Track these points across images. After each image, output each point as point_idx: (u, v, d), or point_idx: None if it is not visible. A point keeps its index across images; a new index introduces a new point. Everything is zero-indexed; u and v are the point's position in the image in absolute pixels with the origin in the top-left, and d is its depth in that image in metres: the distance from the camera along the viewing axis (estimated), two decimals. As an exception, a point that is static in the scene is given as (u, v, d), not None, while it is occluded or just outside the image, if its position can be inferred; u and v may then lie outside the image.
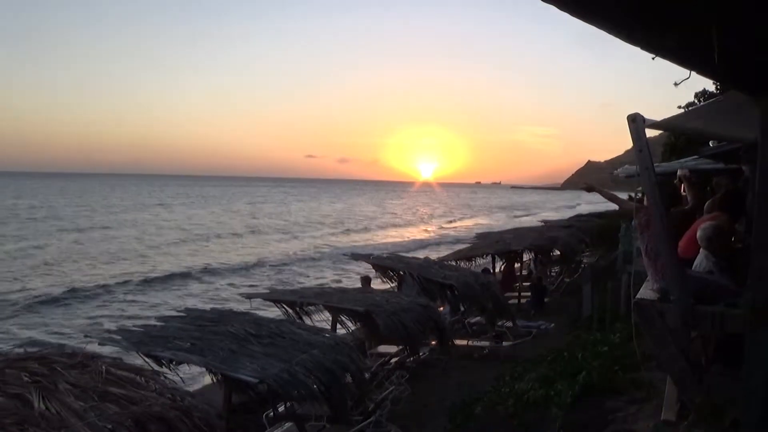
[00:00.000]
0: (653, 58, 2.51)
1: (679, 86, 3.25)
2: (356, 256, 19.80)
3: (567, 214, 58.01)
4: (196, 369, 7.97)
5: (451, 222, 79.93)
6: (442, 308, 15.21)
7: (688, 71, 2.78)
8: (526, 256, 24.20)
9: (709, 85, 25.75)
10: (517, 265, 22.91)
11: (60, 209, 78.48)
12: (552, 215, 63.76)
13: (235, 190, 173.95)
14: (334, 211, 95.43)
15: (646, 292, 5.16)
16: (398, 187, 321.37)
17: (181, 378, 7.67)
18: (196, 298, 26.09)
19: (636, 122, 4.49)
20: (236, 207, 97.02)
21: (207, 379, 8.96)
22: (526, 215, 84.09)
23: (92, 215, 71.21)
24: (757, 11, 2.13)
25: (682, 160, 15.05)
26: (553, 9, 1.92)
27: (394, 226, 72.39)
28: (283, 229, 62.40)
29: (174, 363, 7.58)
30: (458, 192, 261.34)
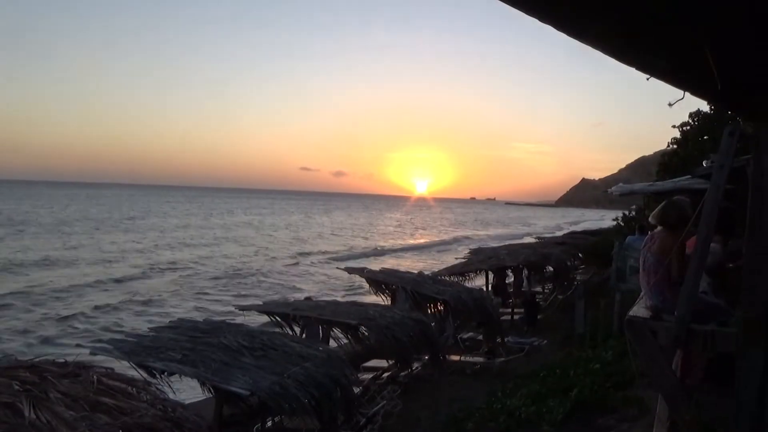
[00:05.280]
0: (648, 79, 2.55)
1: (675, 106, 3.30)
2: (351, 270, 19.75)
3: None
4: (188, 380, 7.95)
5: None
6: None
7: (682, 92, 2.83)
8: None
9: (703, 105, 25.89)
10: (509, 280, 23.05)
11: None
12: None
13: (236, 203, 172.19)
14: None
15: (639, 309, 5.17)
16: (403, 202, 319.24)
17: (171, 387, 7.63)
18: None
19: (731, 137, 4.31)
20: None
21: (199, 391, 8.92)
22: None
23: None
24: (748, 34, 2.17)
25: (676, 180, 15.14)
26: (549, 28, 1.96)
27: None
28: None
29: (166, 374, 7.56)
30: (470, 207, 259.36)
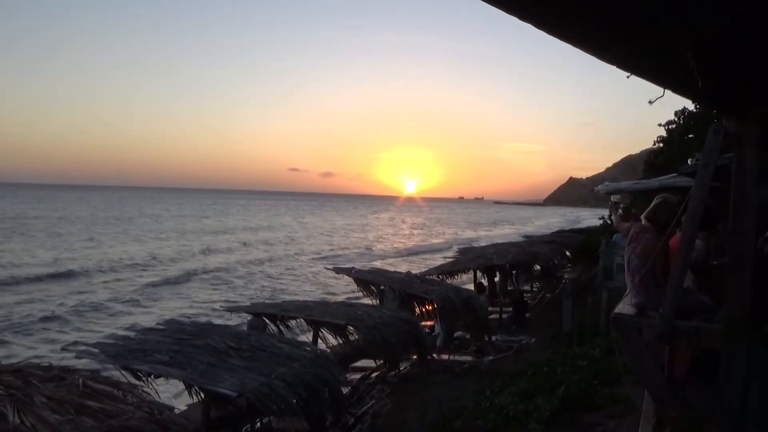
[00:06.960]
0: (628, 77, 2.56)
1: (661, 105, 3.32)
2: (339, 270, 19.70)
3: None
4: (176, 382, 7.90)
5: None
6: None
7: (663, 90, 2.84)
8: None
9: (689, 103, 26.04)
10: (496, 279, 23.11)
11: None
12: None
13: (236, 204, 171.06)
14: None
15: (624, 306, 5.20)
16: (393, 202, 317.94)
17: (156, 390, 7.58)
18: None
19: (716, 135, 4.30)
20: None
21: (186, 393, 8.88)
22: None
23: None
24: (729, 36, 2.19)
25: (662, 178, 15.24)
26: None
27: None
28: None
29: (152, 376, 7.51)
30: (463, 207, 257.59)
